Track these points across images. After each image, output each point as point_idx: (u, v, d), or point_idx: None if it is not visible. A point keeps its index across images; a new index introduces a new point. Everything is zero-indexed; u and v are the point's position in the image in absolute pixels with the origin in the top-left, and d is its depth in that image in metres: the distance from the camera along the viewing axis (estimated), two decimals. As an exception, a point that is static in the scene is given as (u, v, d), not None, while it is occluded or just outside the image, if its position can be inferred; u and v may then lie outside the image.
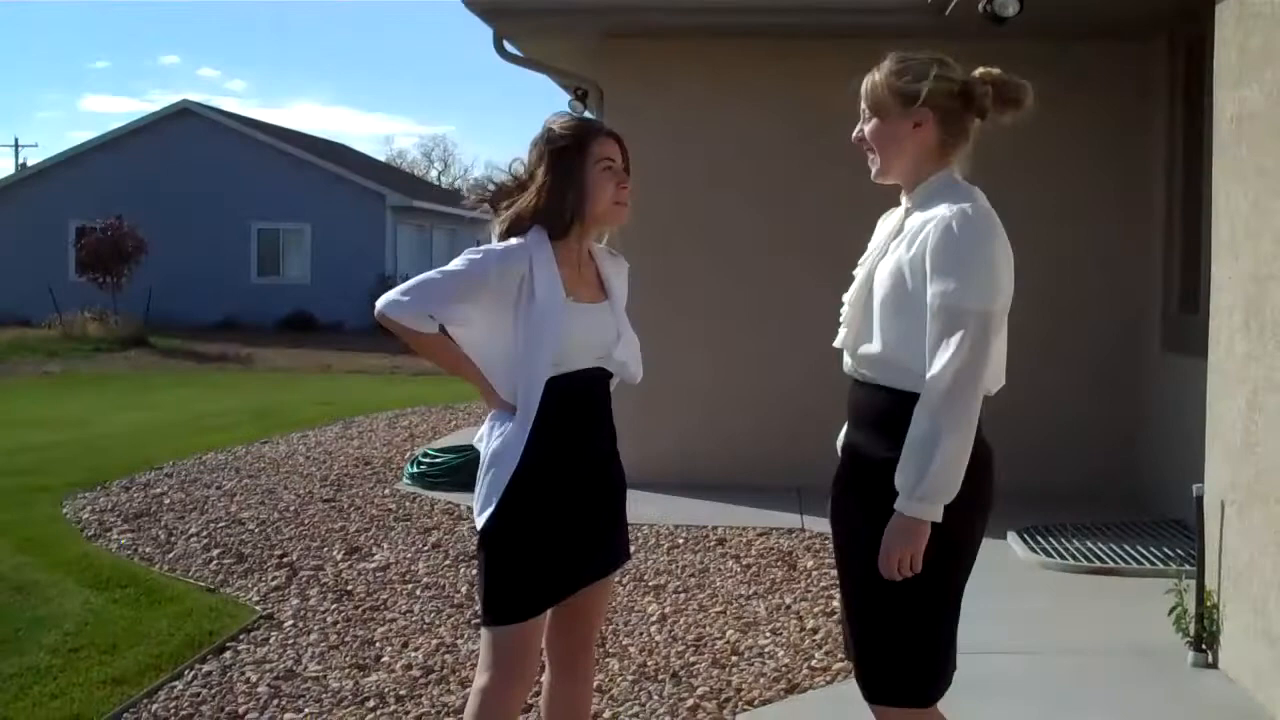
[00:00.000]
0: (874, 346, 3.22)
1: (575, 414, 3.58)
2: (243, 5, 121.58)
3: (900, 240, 3.22)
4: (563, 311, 3.50)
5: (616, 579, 6.90)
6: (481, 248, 3.57)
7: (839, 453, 3.43)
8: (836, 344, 3.40)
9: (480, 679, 3.51)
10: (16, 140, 75.10)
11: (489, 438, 3.57)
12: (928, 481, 2.99)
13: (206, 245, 35.86)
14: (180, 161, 36.24)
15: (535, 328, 3.47)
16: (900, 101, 3.22)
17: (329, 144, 45.20)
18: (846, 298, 3.38)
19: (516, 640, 3.48)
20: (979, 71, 3.25)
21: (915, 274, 3.11)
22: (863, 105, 3.30)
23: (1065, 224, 9.54)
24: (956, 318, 3.02)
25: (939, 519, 3.03)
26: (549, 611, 3.60)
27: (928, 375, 3.03)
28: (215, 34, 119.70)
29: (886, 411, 3.17)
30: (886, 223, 3.40)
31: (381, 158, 61.91)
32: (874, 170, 3.32)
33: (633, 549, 7.65)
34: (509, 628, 3.47)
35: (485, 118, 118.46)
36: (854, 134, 3.34)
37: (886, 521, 3.07)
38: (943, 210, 3.09)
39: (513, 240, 3.55)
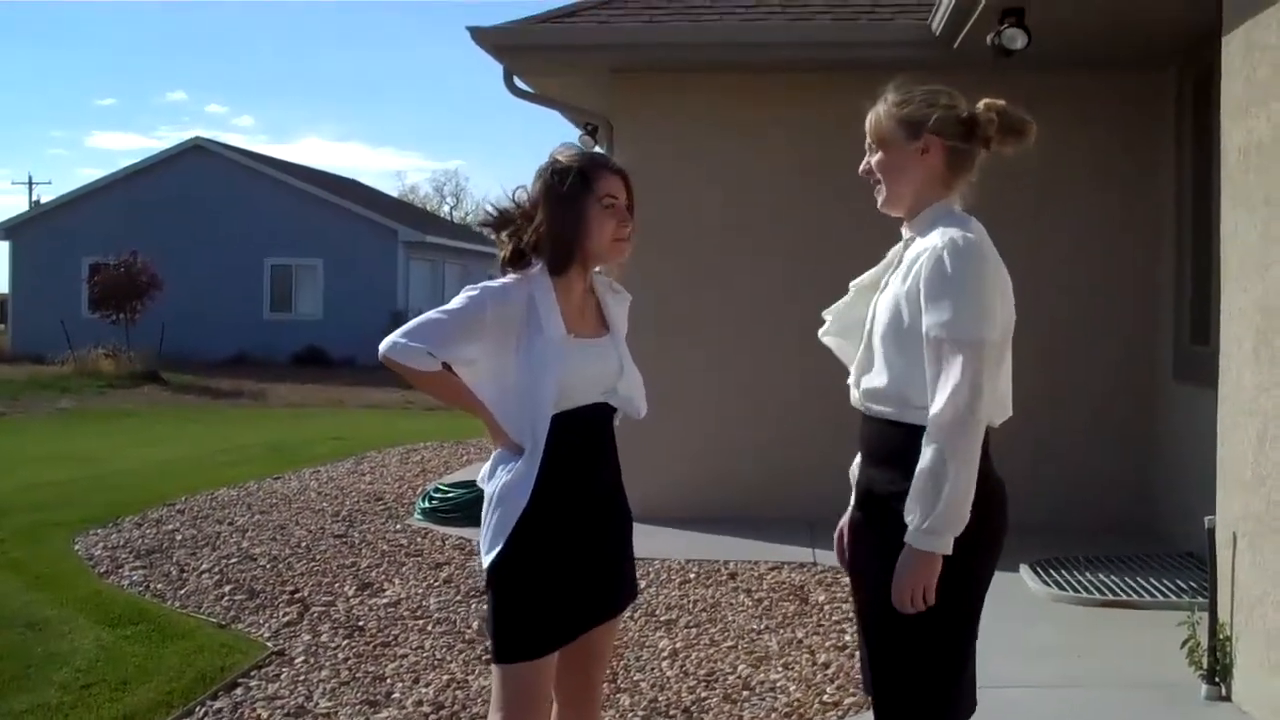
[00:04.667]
0: (879, 381, 3.22)
1: (580, 451, 3.56)
2: (250, 42, 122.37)
3: (896, 272, 3.24)
4: (564, 347, 3.50)
5: (626, 614, 6.90)
6: (480, 285, 3.57)
7: (853, 485, 3.45)
8: (850, 381, 3.41)
9: (493, 719, 3.51)
10: (30, 178, 75.68)
11: (493, 476, 3.57)
12: (936, 515, 3.00)
13: (219, 281, 36.03)
14: (193, 198, 36.45)
15: (537, 364, 3.48)
16: (906, 130, 3.24)
17: (341, 180, 45.40)
18: (830, 310, 3.44)
19: (527, 679, 3.47)
20: (983, 103, 3.25)
21: (911, 307, 3.12)
22: (868, 139, 3.32)
23: (1076, 254, 9.55)
24: (952, 350, 3.02)
25: (949, 551, 3.03)
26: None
27: (930, 410, 3.03)
28: (222, 70, 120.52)
29: (896, 444, 3.17)
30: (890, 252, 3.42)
31: (394, 193, 62.15)
32: (880, 200, 3.34)
33: (644, 583, 7.66)
34: (519, 666, 3.46)
35: (497, 152, 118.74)
36: (861, 167, 3.36)
37: (898, 554, 3.08)
38: (934, 241, 3.11)
39: (512, 276, 3.57)
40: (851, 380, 3.38)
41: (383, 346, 3.48)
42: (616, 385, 3.67)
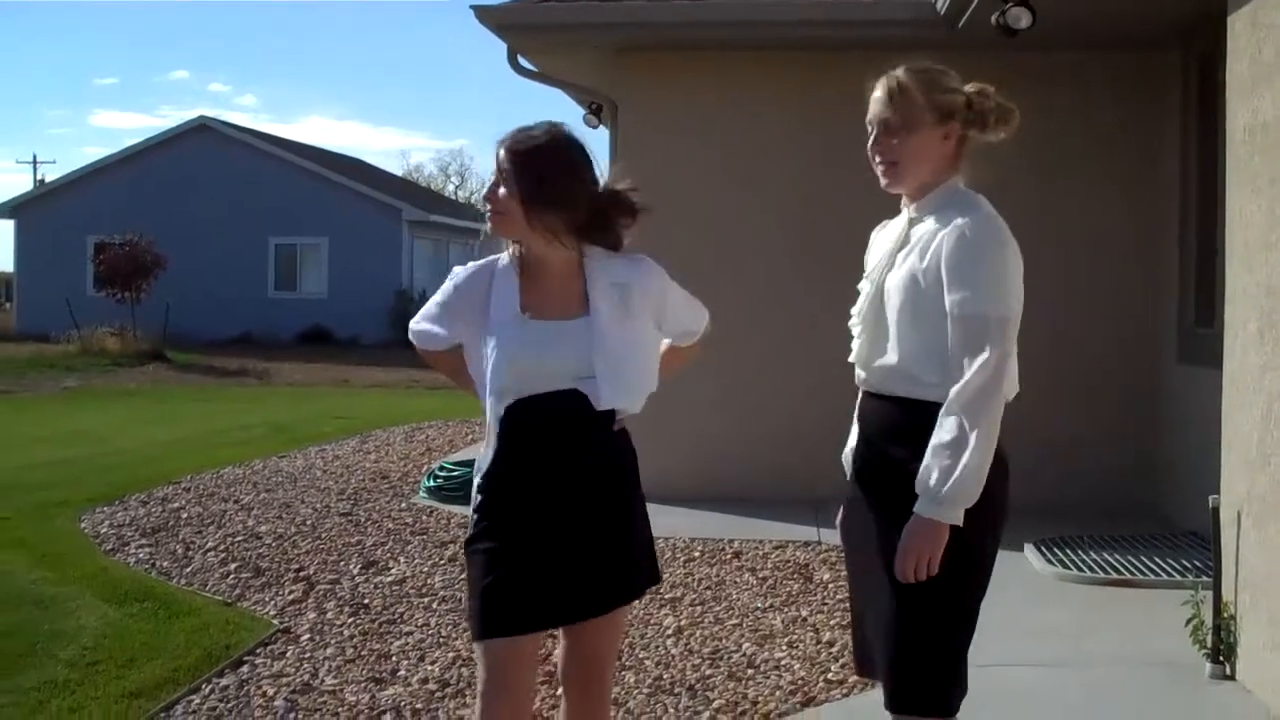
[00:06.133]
0: (891, 359, 3.23)
1: (540, 439, 3.46)
2: (253, 20, 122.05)
3: (909, 250, 3.24)
4: (517, 329, 3.45)
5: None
6: (461, 265, 3.63)
7: (846, 465, 3.46)
8: (851, 359, 3.41)
9: (476, 702, 3.50)
10: (35, 157, 75.39)
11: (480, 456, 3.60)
12: (951, 486, 3.01)
13: (224, 260, 36.07)
14: (198, 176, 36.50)
15: (492, 347, 3.45)
16: (935, 115, 3.23)
17: (346, 159, 45.38)
18: (855, 311, 3.40)
19: (495, 658, 3.42)
20: (974, 88, 3.28)
21: (930, 283, 3.13)
22: (888, 115, 3.25)
23: (1080, 236, 9.53)
24: (979, 326, 3.05)
25: (959, 523, 3.04)
26: (558, 638, 3.55)
27: (954, 383, 3.05)
28: (225, 49, 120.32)
29: (904, 423, 3.18)
30: (885, 234, 3.42)
31: (398, 172, 62.05)
32: (887, 180, 3.31)
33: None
34: (486, 645, 3.44)
35: (502, 131, 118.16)
36: (872, 144, 3.30)
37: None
38: (956, 219, 3.12)
39: (492, 256, 3.58)
40: (857, 359, 3.36)
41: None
42: (591, 372, 3.45)
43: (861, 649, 3.42)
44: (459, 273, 3.59)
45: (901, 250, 3.27)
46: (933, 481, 3.03)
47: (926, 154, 3.25)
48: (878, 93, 3.29)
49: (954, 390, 3.05)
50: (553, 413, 3.44)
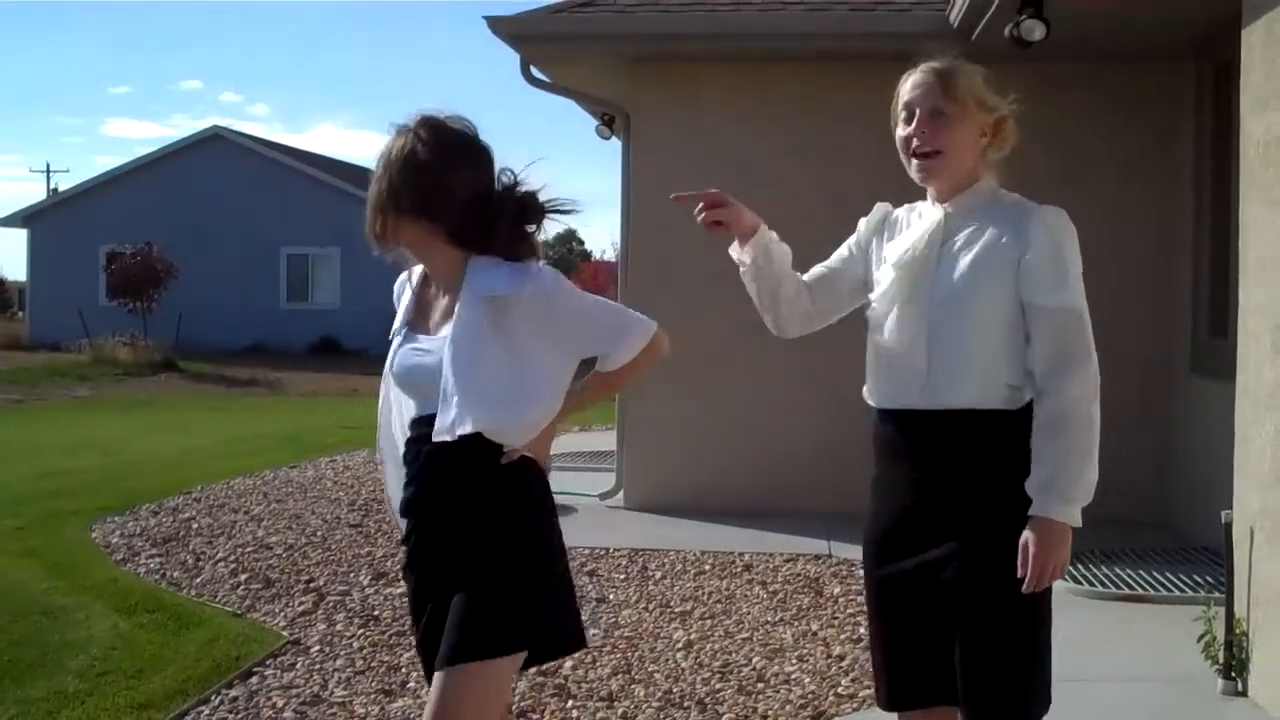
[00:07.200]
0: (962, 366, 3.08)
1: (426, 463, 3.19)
2: (265, 31, 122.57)
3: (959, 248, 3.13)
4: (396, 343, 3.30)
5: (641, 605, 6.90)
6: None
7: (894, 464, 3.21)
8: (906, 377, 3.15)
9: None
10: (48, 166, 75.60)
11: None
12: (1078, 484, 2.99)
13: (236, 270, 36.14)
14: (210, 186, 36.55)
15: None
16: (986, 111, 3.16)
17: (358, 169, 45.30)
18: (895, 320, 3.22)
19: None
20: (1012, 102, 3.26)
21: (1003, 281, 3.07)
22: (939, 101, 3.12)
23: (1094, 247, 9.43)
24: (1075, 320, 3.05)
25: (1079, 524, 3.02)
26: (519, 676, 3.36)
27: (1060, 381, 3.00)
28: (237, 59, 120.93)
29: (973, 437, 3.07)
30: (911, 226, 3.29)
31: (410, 183, 62.14)
32: (922, 172, 3.17)
33: (659, 574, 7.67)
34: None
35: (512, 142, 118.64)
36: (915, 129, 3.15)
37: (1001, 547, 3.01)
38: (1029, 215, 3.11)
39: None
40: (915, 372, 3.12)
41: None
42: (437, 397, 3.12)
43: (913, 681, 3.23)
44: (398, 281, 3.48)
45: (943, 245, 3.16)
46: (1058, 483, 2.98)
47: (970, 146, 3.16)
48: (921, 78, 3.17)
49: (1061, 386, 3.00)
50: (425, 437, 3.16)
